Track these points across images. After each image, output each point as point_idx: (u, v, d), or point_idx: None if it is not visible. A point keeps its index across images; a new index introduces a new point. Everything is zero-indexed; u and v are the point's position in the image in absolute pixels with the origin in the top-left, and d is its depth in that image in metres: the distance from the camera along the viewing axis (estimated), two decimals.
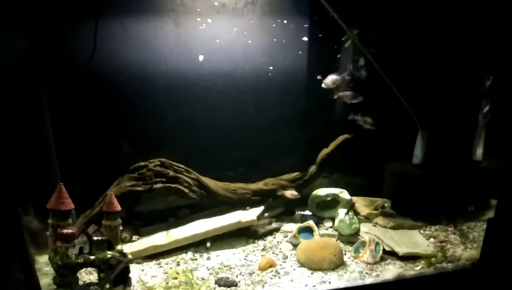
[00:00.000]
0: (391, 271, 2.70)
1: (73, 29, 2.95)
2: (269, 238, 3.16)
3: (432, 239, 3.11)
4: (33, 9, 2.68)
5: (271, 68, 3.40)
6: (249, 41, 3.31)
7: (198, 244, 2.97)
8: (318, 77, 3.18)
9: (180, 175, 3.11)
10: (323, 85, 3.23)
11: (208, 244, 2.97)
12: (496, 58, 3.38)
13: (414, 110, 3.32)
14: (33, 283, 2.15)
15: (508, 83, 3.32)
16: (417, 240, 3.05)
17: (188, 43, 3.20)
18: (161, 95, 3.22)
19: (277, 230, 3.25)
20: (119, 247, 2.45)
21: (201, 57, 3.20)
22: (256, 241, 3.11)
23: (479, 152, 3.51)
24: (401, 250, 2.85)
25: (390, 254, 2.89)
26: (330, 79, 3.22)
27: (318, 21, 3.36)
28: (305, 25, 3.41)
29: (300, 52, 3.45)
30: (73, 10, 2.88)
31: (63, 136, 2.92)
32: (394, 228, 3.23)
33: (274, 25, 3.34)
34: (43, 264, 2.46)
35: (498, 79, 3.38)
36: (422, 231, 3.24)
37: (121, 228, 2.62)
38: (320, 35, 3.42)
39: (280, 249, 2.99)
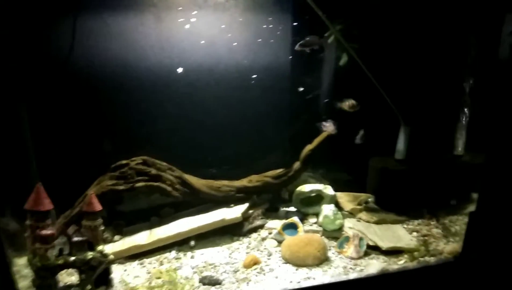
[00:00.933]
0: (374, 265, 2.72)
1: (51, 24, 2.88)
2: (254, 235, 3.14)
3: (415, 233, 3.15)
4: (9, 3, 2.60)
5: (253, 65, 3.37)
6: (233, 37, 3.28)
7: (181, 243, 2.94)
8: (300, 89, 3.15)
9: (163, 173, 3.07)
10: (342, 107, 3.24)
11: (192, 243, 2.94)
12: (477, 53, 3.42)
13: (396, 105, 3.34)
14: (11, 286, 2.09)
15: (489, 77, 3.36)
16: (400, 235, 3.07)
17: (170, 39, 3.15)
18: (142, 91, 3.16)
19: (261, 227, 3.23)
20: (100, 247, 2.40)
21: (180, 70, 3.16)
22: (240, 238, 3.09)
23: (460, 146, 3.56)
24: (384, 244, 2.87)
25: (374, 248, 2.91)
26: (349, 104, 3.22)
27: (301, 17, 3.34)
28: (289, 20, 3.39)
29: (283, 48, 3.43)
30: (51, 5, 2.81)
31: (42, 134, 2.85)
32: (377, 223, 3.25)
33: (257, 20, 3.31)
34: (22, 266, 2.40)
35: (479, 74, 3.42)
36: (405, 226, 3.27)
37: (102, 228, 2.56)
38: (304, 31, 3.40)
39: (264, 246, 2.98)
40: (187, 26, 3.14)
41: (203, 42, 3.21)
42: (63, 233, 2.35)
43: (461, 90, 3.47)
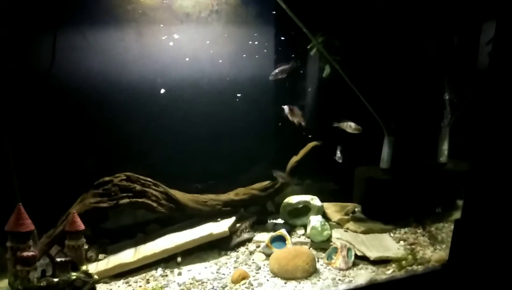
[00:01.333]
0: (363, 276, 2.71)
1: (31, 39, 2.84)
2: (242, 249, 3.11)
3: (402, 242, 3.15)
4: None
5: (236, 78, 3.38)
6: (216, 52, 3.28)
7: (168, 260, 2.89)
8: (283, 107, 3.15)
9: (147, 189, 3.03)
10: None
11: (179, 259, 2.89)
12: (458, 62, 3.48)
13: (380, 115, 3.38)
14: None
15: (471, 85, 3.42)
16: (387, 244, 3.08)
17: (152, 54, 3.14)
18: (125, 107, 3.13)
19: (249, 240, 3.20)
20: (84, 267, 2.35)
21: (162, 90, 3.15)
22: (228, 252, 3.05)
23: (444, 154, 3.60)
24: (372, 254, 2.87)
25: (362, 259, 2.91)
26: (351, 126, 3.22)
27: (284, 30, 3.36)
28: (271, 34, 3.41)
29: (266, 61, 3.44)
30: (30, 21, 2.77)
31: (22, 153, 2.79)
32: (365, 232, 3.25)
33: (239, 34, 3.32)
34: (3, 289, 2.33)
35: (460, 82, 3.48)
36: (392, 234, 3.28)
37: (86, 247, 2.52)
38: (286, 43, 3.43)
39: (253, 259, 2.95)
40: (170, 42, 3.14)
41: (187, 58, 3.20)
42: (45, 253, 2.28)
43: (443, 99, 3.52)
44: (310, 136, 3.49)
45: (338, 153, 3.27)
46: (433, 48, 3.44)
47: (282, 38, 3.40)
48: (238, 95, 3.38)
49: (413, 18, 3.24)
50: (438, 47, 3.44)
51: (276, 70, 3.09)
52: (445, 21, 3.34)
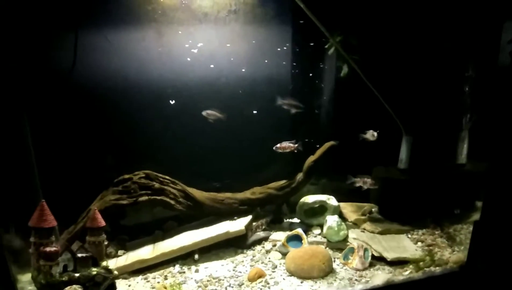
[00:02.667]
0: (380, 276, 2.70)
1: (53, 40, 2.90)
2: (258, 247, 3.13)
3: (419, 243, 3.13)
4: (12, 21, 2.62)
5: (253, 77, 3.39)
6: (233, 50, 3.30)
7: (185, 257, 2.93)
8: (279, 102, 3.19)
9: (166, 187, 3.07)
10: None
11: (196, 256, 2.92)
12: (478, 62, 3.43)
13: (398, 115, 3.35)
14: None
15: (491, 85, 3.36)
16: (405, 245, 3.06)
17: (171, 54, 3.17)
18: (145, 106, 3.17)
19: (265, 239, 3.22)
20: (104, 263, 2.40)
21: (172, 102, 3.20)
22: (245, 251, 3.07)
23: (463, 155, 3.55)
24: (389, 255, 2.86)
25: (379, 259, 2.90)
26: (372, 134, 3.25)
27: (302, 29, 3.36)
28: (288, 33, 3.41)
29: (284, 60, 3.45)
30: (52, 22, 2.83)
31: (45, 151, 2.85)
32: (382, 233, 3.24)
33: (257, 33, 3.33)
34: (26, 283, 2.39)
35: (480, 82, 3.43)
36: (409, 235, 3.26)
37: (106, 243, 2.56)
38: (303, 42, 3.43)
39: (269, 258, 2.97)
40: (189, 41, 3.17)
41: (204, 56, 3.23)
42: (67, 249, 2.33)
43: (463, 99, 3.47)
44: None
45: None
46: (453, 47, 3.39)
47: (301, 38, 3.40)
48: (256, 95, 3.40)
49: (433, 17, 3.20)
50: (458, 46, 3.39)
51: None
52: (466, 20, 3.30)
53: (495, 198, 2.74)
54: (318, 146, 3.50)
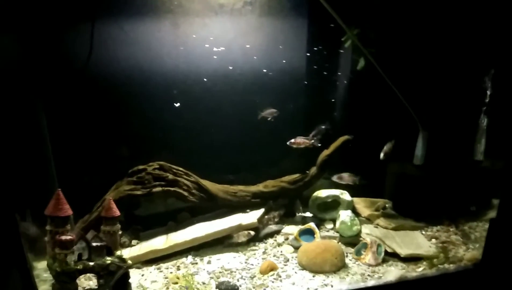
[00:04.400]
0: (393, 272, 2.68)
1: (69, 32, 2.91)
2: (270, 240, 3.13)
3: (434, 240, 3.10)
4: (28, 12, 2.64)
5: (269, 71, 3.37)
6: (249, 42, 3.28)
7: (198, 248, 2.95)
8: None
9: (179, 178, 3.08)
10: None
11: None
12: (498, 57, 3.36)
13: (415, 110, 3.30)
14: None
15: (509, 82, 3.29)
16: (419, 241, 3.03)
17: (186, 45, 3.16)
18: (159, 97, 3.18)
19: (278, 232, 3.22)
20: (118, 252, 2.42)
21: (177, 104, 3.20)
22: (257, 244, 3.08)
23: (480, 152, 3.49)
24: (403, 251, 2.84)
25: (392, 255, 2.88)
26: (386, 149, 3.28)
27: (318, 22, 3.32)
28: (305, 26, 3.38)
29: (299, 53, 3.42)
30: (68, 13, 2.84)
31: (61, 141, 2.89)
32: (395, 229, 3.21)
33: (273, 26, 3.30)
34: (42, 270, 2.43)
35: (499, 78, 3.36)
36: (423, 232, 3.22)
37: (120, 233, 2.59)
38: (319, 35, 3.39)
39: (281, 252, 2.97)
40: (204, 32, 3.16)
41: (220, 48, 3.21)
42: (82, 238, 2.36)
43: (482, 95, 3.40)
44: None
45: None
46: (474, 42, 3.31)
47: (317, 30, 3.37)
48: (268, 71, 3.39)
49: (451, 10, 3.14)
50: (479, 40, 3.32)
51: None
52: (486, 14, 3.22)
53: None
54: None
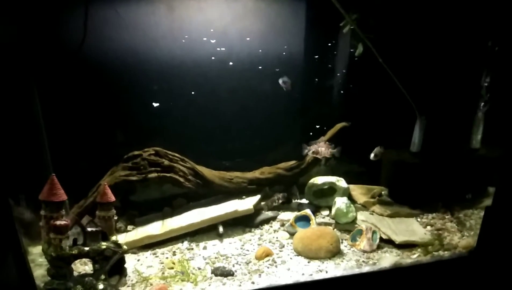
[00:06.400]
0: (387, 259, 2.70)
1: (62, 15, 2.86)
2: (266, 227, 3.14)
3: (429, 227, 3.11)
4: None
5: (267, 56, 3.33)
6: (245, 26, 3.23)
7: (194, 234, 2.95)
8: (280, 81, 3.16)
9: (175, 164, 3.07)
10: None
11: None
12: (495, 46, 3.33)
13: (412, 97, 3.28)
14: (27, 275, 2.12)
15: (507, 70, 3.27)
16: (414, 228, 3.04)
17: (181, 29, 3.11)
18: (155, 82, 3.14)
19: (274, 219, 3.23)
20: (113, 237, 2.42)
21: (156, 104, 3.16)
22: (252, 230, 3.09)
23: (477, 139, 3.49)
24: (398, 238, 2.85)
25: (387, 242, 2.89)
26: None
27: (316, 6, 3.28)
28: (303, 10, 3.33)
29: (296, 38, 3.38)
30: None
31: (55, 126, 2.86)
32: (391, 216, 3.22)
33: (270, 9, 3.26)
34: (37, 255, 2.42)
35: (497, 66, 3.34)
36: (419, 219, 3.23)
37: (115, 218, 2.59)
38: (317, 21, 3.35)
39: (276, 238, 2.98)
40: (200, 16, 3.11)
41: (215, 31, 3.16)
42: (77, 223, 2.36)
43: (479, 83, 3.38)
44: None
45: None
46: (471, 29, 3.28)
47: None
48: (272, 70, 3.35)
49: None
50: (477, 27, 3.29)
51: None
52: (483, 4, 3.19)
53: (508, 184, 2.69)
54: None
